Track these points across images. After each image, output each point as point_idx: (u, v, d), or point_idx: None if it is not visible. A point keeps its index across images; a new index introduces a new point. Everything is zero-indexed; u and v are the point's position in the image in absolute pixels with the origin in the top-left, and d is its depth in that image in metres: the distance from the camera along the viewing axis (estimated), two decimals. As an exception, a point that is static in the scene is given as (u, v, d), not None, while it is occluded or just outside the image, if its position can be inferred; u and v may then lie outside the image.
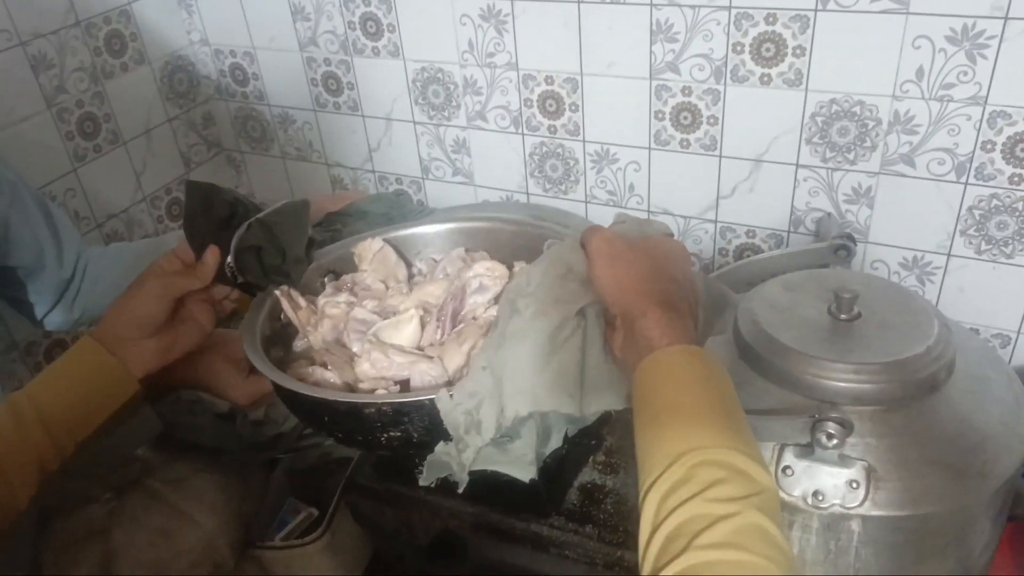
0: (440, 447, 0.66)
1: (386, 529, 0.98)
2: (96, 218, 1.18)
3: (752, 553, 0.45)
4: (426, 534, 0.97)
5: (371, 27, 1.14)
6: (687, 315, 0.59)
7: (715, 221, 1.07)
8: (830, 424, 0.61)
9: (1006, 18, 0.80)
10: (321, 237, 1.01)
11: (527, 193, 1.18)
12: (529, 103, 1.10)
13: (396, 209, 1.16)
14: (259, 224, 0.73)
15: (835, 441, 0.61)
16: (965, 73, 0.84)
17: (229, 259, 0.72)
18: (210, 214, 0.74)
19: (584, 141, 1.10)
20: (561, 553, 0.86)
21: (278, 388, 0.68)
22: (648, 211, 1.11)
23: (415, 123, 1.20)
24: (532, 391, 0.62)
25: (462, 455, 0.65)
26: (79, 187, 1.15)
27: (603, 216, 1.12)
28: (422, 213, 1.18)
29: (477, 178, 1.21)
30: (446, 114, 1.16)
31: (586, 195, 1.14)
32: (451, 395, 0.63)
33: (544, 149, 1.13)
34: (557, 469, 0.86)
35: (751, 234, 1.06)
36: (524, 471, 0.68)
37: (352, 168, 1.30)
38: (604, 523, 0.87)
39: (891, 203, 0.95)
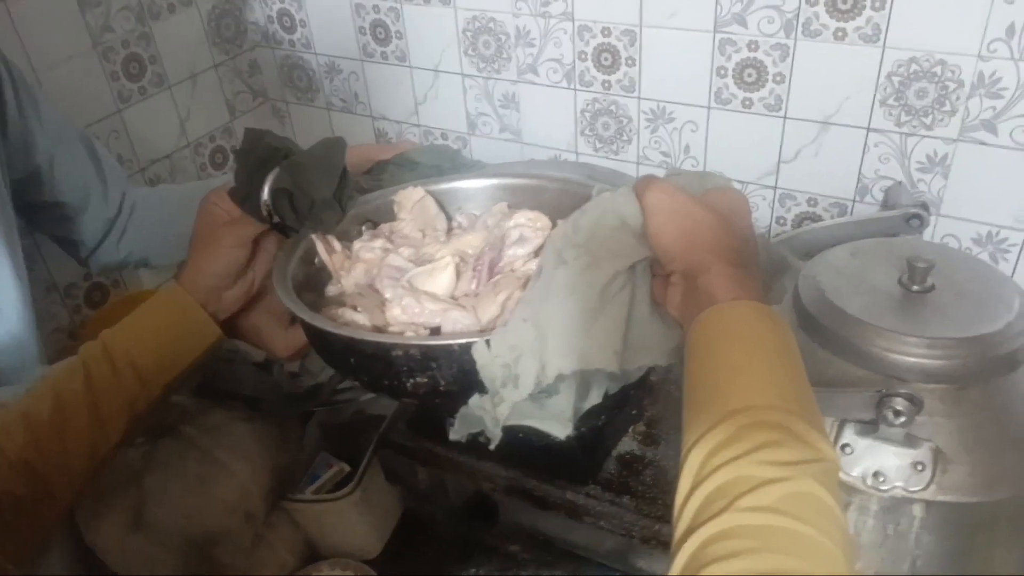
0: (474, 400, 0.62)
1: (418, 488, 0.97)
2: (140, 161, 1.17)
3: (803, 523, 0.40)
4: (459, 495, 0.96)
5: (423, -28, 1.10)
6: (756, 272, 0.55)
7: (775, 187, 1.02)
8: (899, 400, 0.57)
9: (1115, -30, 0.73)
10: (368, 185, 0.99)
11: (576, 152, 1.14)
12: (584, 56, 1.05)
13: (448, 161, 1.13)
14: (288, 166, 0.71)
15: (903, 419, 0.57)
16: (1062, 31, 0.78)
17: (265, 198, 0.70)
18: (250, 157, 0.72)
19: (639, 98, 1.05)
20: (596, 523, 0.83)
21: (306, 327, 0.67)
22: (703, 175, 1.06)
23: (463, 75, 1.16)
24: (579, 349, 0.58)
25: (497, 409, 0.62)
26: (123, 129, 1.13)
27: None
28: (474, 167, 1.15)
29: (525, 135, 1.17)
30: (496, 66, 1.12)
31: (638, 156, 1.09)
32: (488, 345, 0.59)
33: (597, 106, 1.08)
34: (596, 438, 0.83)
35: (812, 202, 1.00)
36: (561, 427, 0.64)
37: (397, 121, 1.27)
38: (642, 495, 0.84)
39: (968, 173, 0.89)
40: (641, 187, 0.59)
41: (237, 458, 0.90)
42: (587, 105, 1.09)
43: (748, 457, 0.43)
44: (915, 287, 0.66)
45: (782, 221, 1.04)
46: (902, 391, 0.57)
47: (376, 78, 1.24)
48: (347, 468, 0.98)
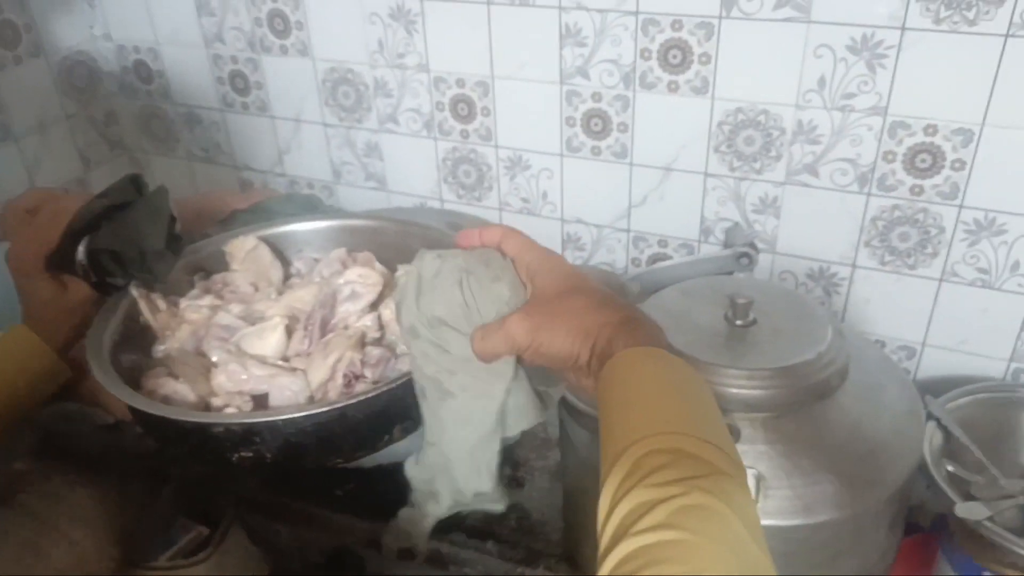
0: (403, 512, 0.64)
1: (280, 547, 0.94)
2: (-19, 216, 1.11)
3: (692, 532, 0.41)
4: (321, 552, 0.93)
5: (279, 23, 1.10)
6: (642, 317, 0.55)
7: (628, 230, 1.06)
8: (716, 430, 0.60)
9: (903, 28, 0.80)
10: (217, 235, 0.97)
11: (440, 199, 1.16)
12: (441, 106, 1.07)
13: (308, 210, 1.12)
14: (112, 227, 0.69)
15: (721, 448, 0.60)
16: (865, 83, 0.85)
17: (80, 257, 0.68)
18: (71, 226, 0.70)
19: (497, 146, 1.07)
20: (460, 571, 0.83)
21: (121, 401, 0.64)
22: (562, 219, 1.09)
23: (325, 125, 1.16)
24: (488, 466, 0.59)
25: (422, 523, 0.63)
26: (-38, 183, 1.08)
27: (519, 225, 1.09)
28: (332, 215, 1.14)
29: (390, 183, 1.17)
30: (357, 116, 1.13)
31: (500, 202, 1.12)
32: (416, 463, 0.60)
33: (457, 154, 1.10)
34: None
35: (663, 243, 1.05)
36: (496, 504, 0.65)
37: (261, 171, 1.25)
38: (506, 539, 0.84)
39: (797, 213, 0.95)
40: (509, 245, 0.57)
41: (77, 525, 0.84)
42: (448, 153, 1.11)
43: (641, 484, 0.44)
44: (738, 322, 0.70)
45: (637, 262, 1.08)
46: (719, 422, 0.60)
47: (238, 128, 1.23)
48: (205, 531, 0.94)
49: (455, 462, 0.59)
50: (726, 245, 0.99)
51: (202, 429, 0.60)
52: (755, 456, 0.64)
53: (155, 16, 1.18)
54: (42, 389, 0.75)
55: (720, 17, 0.87)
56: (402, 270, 0.74)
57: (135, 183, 0.73)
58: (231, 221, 1.02)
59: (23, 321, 0.74)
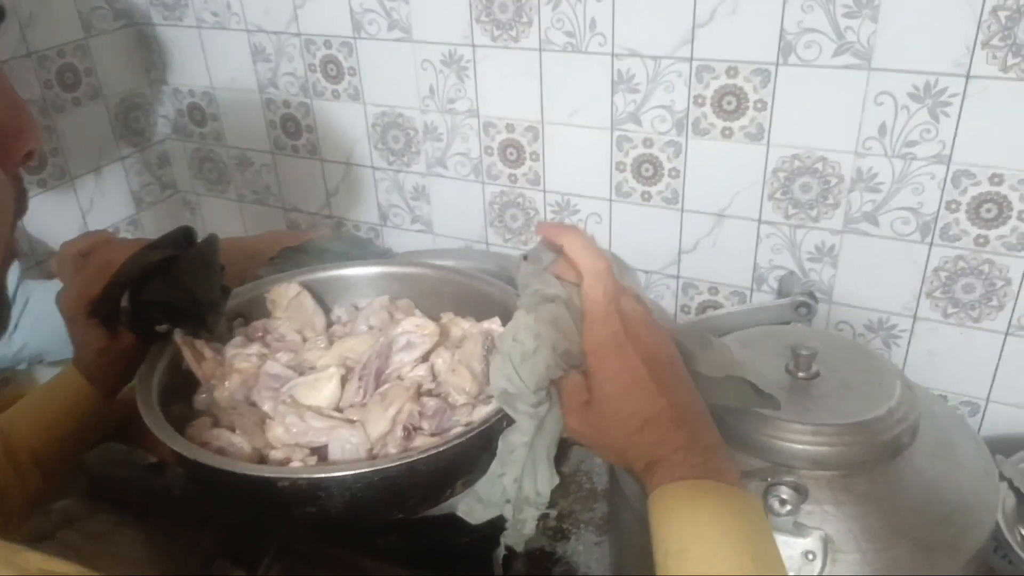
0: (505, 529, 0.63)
1: (319, 595, 0.92)
2: (37, 255, 1.13)
3: None
4: (361, 602, 0.91)
5: (332, 70, 1.12)
6: (709, 431, 0.52)
7: (677, 276, 1.04)
8: (783, 489, 0.57)
9: (968, 76, 0.79)
10: (267, 275, 0.97)
11: (487, 243, 1.15)
12: (490, 151, 1.07)
13: (358, 249, 1.12)
14: (163, 277, 0.69)
15: (789, 507, 0.57)
16: (928, 131, 0.83)
17: (125, 305, 0.68)
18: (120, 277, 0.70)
19: (545, 191, 1.07)
20: (505, 629, 0.80)
21: (177, 457, 0.63)
22: (610, 265, 1.07)
23: (374, 168, 1.17)
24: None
25: (523, 530, 0.62)
26: (20, 221, 1.10)
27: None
28: (383, 255, 1.14)
29: (436, 226, 1.17)
30: (405, 160, 1.14)
31: (547, 247, 1.11)
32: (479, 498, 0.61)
33: (504, 198, 1.10)
34: (501, 536, 0.80)
35: (714, 291, 1.03)
36: (519, 540, 0.64)
37: (309, 213, 1.26)
38: (553, 595, 0.81)
39: (855, 262, 0.92)
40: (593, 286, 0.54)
41: (121, 566, 0.84)
42: (495, 197, 1.11)
43: None
44: (800, 374, 0.68)
45: (686, 310, 1.06)
46: (787, 479, 0.57)
47: (288, 170, 1.24)
48: (244, 575, 0.93)
49: (540, 467, 0.59)
50: (780, 294, 0.96)
51: (268, 484, 0.58)
52: (822, 517, 0.61)
53: (211, 61, 1.20)
54: (90, 432, 0.75)
55: (777, 64, 0.86)
56: (445, 318, 0.73)
57: (187, 236, 0.74)
58: (281, 259, 1.02)
59: (74, 363, 0.75)
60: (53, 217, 1.15)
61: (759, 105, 0.89)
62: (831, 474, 0.62)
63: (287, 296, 0.76)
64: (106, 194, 1.22)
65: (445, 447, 0.60)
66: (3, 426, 0.69)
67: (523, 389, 0.55)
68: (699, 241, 1.00)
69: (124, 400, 0.79)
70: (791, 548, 0.59)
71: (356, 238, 1.18)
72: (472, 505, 0.62)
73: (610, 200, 1.03)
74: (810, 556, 0.59)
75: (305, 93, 1.15)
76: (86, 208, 1.20)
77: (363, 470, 0.57)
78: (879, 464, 0.63)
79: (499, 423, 0.63)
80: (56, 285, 0.99)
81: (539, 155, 1.04)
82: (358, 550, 0.88)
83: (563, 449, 0.89)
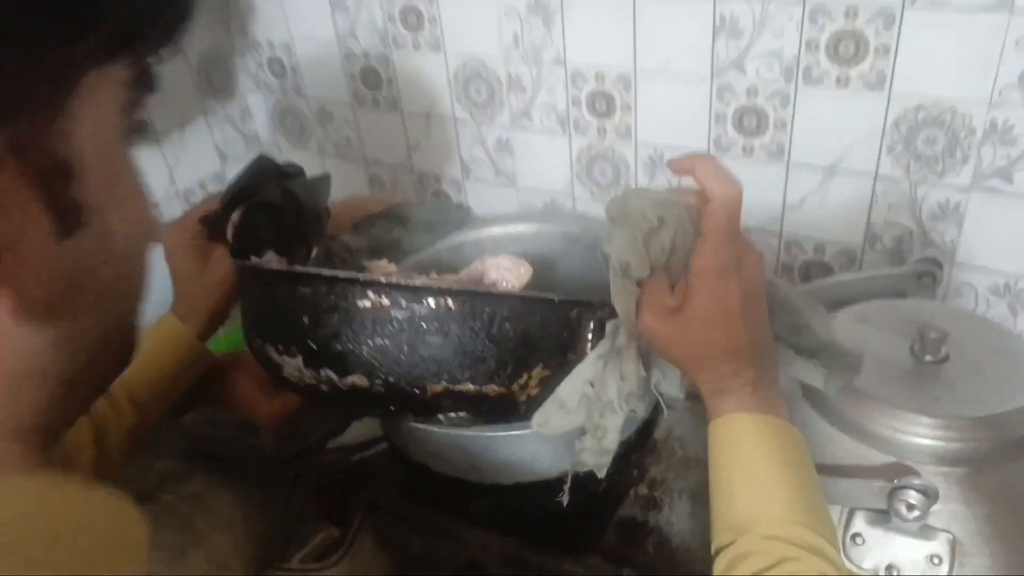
0: (577, 444, 0.62)
1: (410, 556, 0.93)
2: (127, 215, 1.14)
3: None
4: (452, 565, 0.91)
5: (412, 19, 1.07)
6: (767, 367, 0.55)
7: (780, 234, 0.97)
8: (911, 492, 0.52)
9: None
10: (355, 243, 0.96)
11: (573, 197, 1.10)
12: (577, 102, 1.01)
13: (438, 214, 1.09)
14: (283, 186, 0.71)
15: (917, 513, 0.52)
16: (1077, 77, 0.73)
17: (234, 218, 0.69)
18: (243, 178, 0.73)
19: (636, 144, 1.01)
20: (597, 598, 0.79)
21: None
22: (705, 221, 1.01)
23: (456, 121, 1.13)
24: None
25: (603, 442, 0.61)
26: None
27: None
28: (463, 219, 1.11)
29: (520, 180, 1.13)
30: (488, 112, 1.09)
31: (637, 202, 1.05)
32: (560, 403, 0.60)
33: (592, 152, 1.05)
34: (594, 503, 0.79)
35: (820, 250, 0.96)
36: (601, 464, 0.64)
37: (391, 166, 1.24)
38: (643, 565, 0.79)
39: (984, 222, 0.84)
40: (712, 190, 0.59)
41: (217, 528, 0.86)
42: (582, 151, 1.05)
43: (767, 572, 0.45)
44: (928, 358, 0.62)
45: (789, 269, 1.00)
46: (915, 483, 0.53)
47: (368, 123, 1.21)
48: (336, 532, 0.94)
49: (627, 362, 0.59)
50: (894, 254, 0.89)
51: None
52: (949, 517, 0.56)
53: (289, 13, 1.17)
54: (183, 374, 0.76)
55: (903, 5, 0.77)
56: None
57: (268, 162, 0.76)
58: (364, 225, 1.01)
59: (171, 309, 0.76)
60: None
61: (881, 51, 0.80)
62: (960, 471, 0.57)
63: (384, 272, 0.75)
64: (190, 150, 1.22)
65: (546, 296, 0.59)
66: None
67: (644, 262, 0.56)
68: (806, 197, 0.93)
69: (219, 361, 0.80)
70: (916, 551, 0.55)
71: (437, 204, 1.15)
72: (549, 412, 0.60)
73: (708, 154, 0.96)
74: (936, 560, 0.54)
75: (384, 44, 1.11)
76: (173, 165, 1.20)
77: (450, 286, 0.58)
78: (1015, 461, 0.58)
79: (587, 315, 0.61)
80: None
81: (631, 106, 0.98)
82: (450, 513, 0.88)
83: (653, 415, 0.86)
